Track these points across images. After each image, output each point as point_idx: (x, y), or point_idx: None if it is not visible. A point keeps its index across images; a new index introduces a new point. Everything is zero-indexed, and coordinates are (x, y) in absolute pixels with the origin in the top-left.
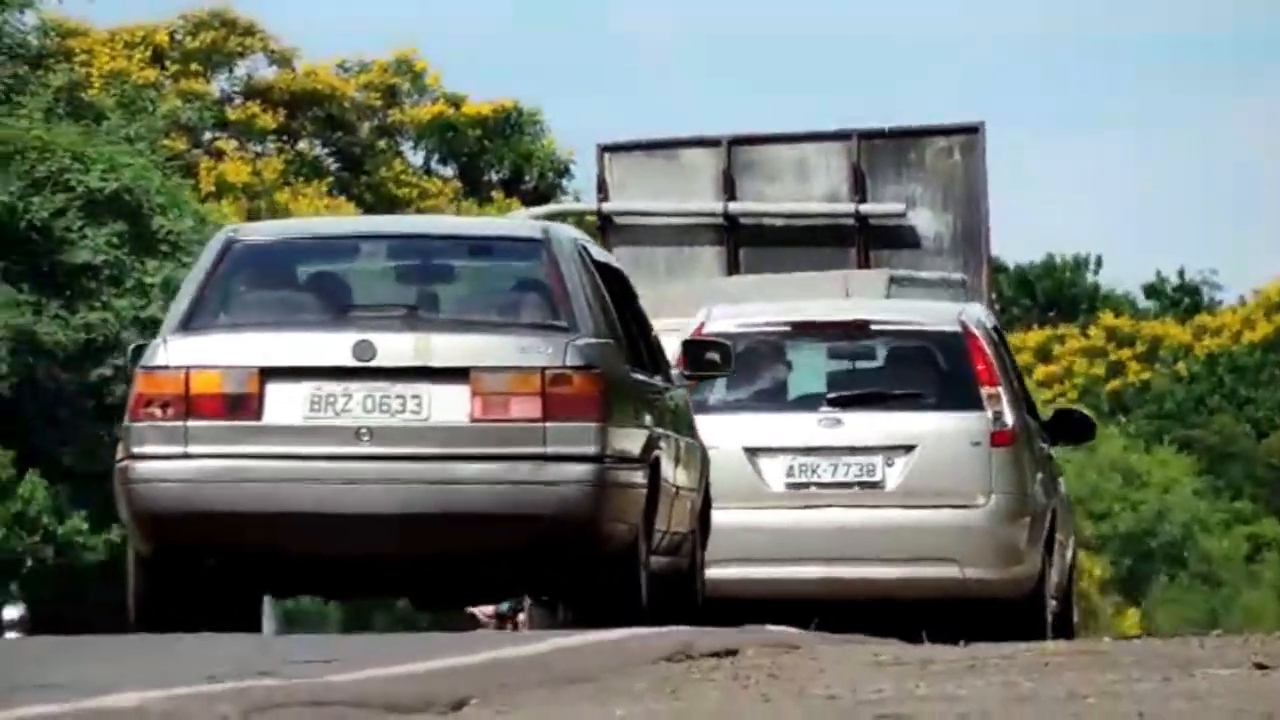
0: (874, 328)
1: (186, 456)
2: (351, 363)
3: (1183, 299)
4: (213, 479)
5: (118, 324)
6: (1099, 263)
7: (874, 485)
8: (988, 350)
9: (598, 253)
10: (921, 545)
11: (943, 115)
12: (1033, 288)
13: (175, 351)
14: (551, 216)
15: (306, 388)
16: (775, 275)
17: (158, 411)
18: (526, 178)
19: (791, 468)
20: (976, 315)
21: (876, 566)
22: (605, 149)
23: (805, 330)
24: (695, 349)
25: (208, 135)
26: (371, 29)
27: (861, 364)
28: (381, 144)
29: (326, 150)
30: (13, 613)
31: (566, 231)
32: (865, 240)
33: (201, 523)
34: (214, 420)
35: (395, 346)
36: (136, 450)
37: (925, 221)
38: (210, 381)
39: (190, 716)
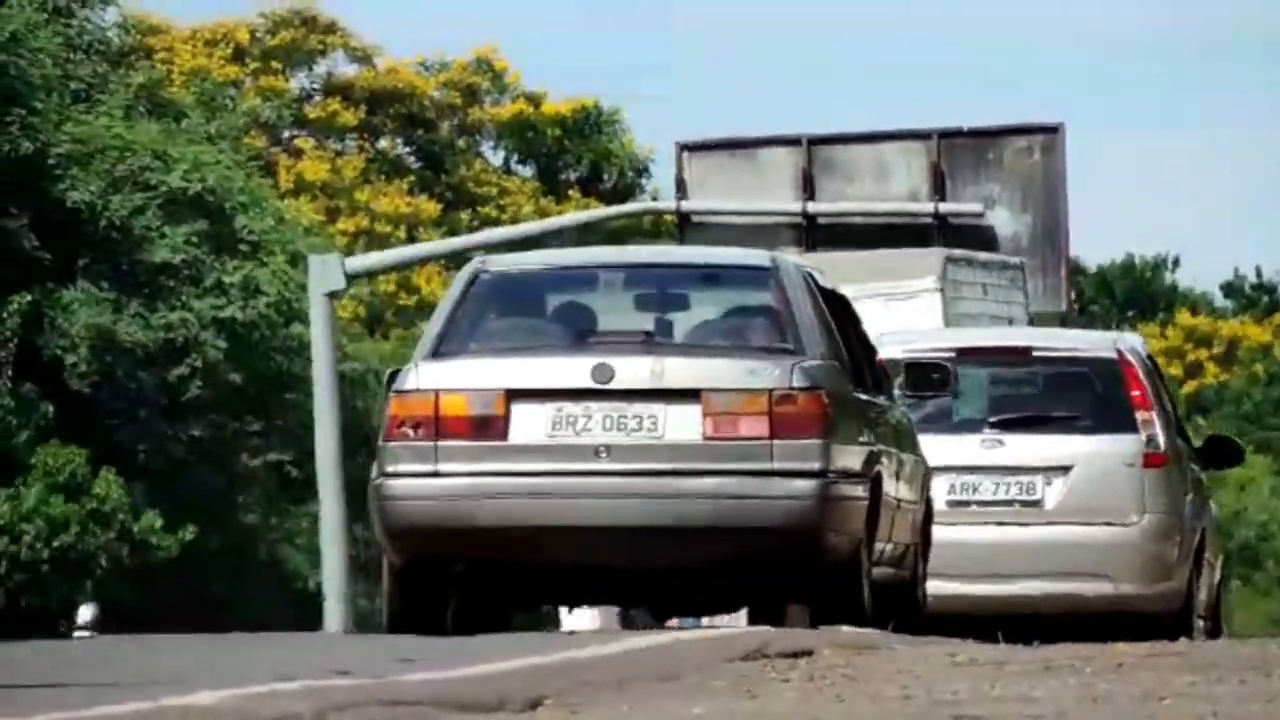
0: (1035, 354)
1: (437, 474)
2: (591, 385)
3: (1261, 298)
4: (461, 495)
5: (197, 324)
6: (1177, 262)
7: (1033, 504)
8: (1142, 376)
9: (822, 280)
10: (1077, 561)
11: (1021, 114)
12: (1111, 287)
13: (426, 376)
14: (630, 215)
15: (549, 409)
16: (831, 253)
17: (410, 432)
18: (605, 176)
19: (954, 486)
20: (1132, 343)
21: (1033, 582)
22: (684, 148)
23: (969, 355)
24: (917, 370)
25: (287, 133)
26: (452, 27)
27: (1023, 388)
28: (461, 142)
29: (407, 148)
30: (86, 612)
31: (793, 260)
32: (944, 239)
33: (450, 536)
34: (462, 440)
35: (632, 370)
36: (390, 469)
37: (1004, 221)
38: (459, 404)
39: (264, 715)
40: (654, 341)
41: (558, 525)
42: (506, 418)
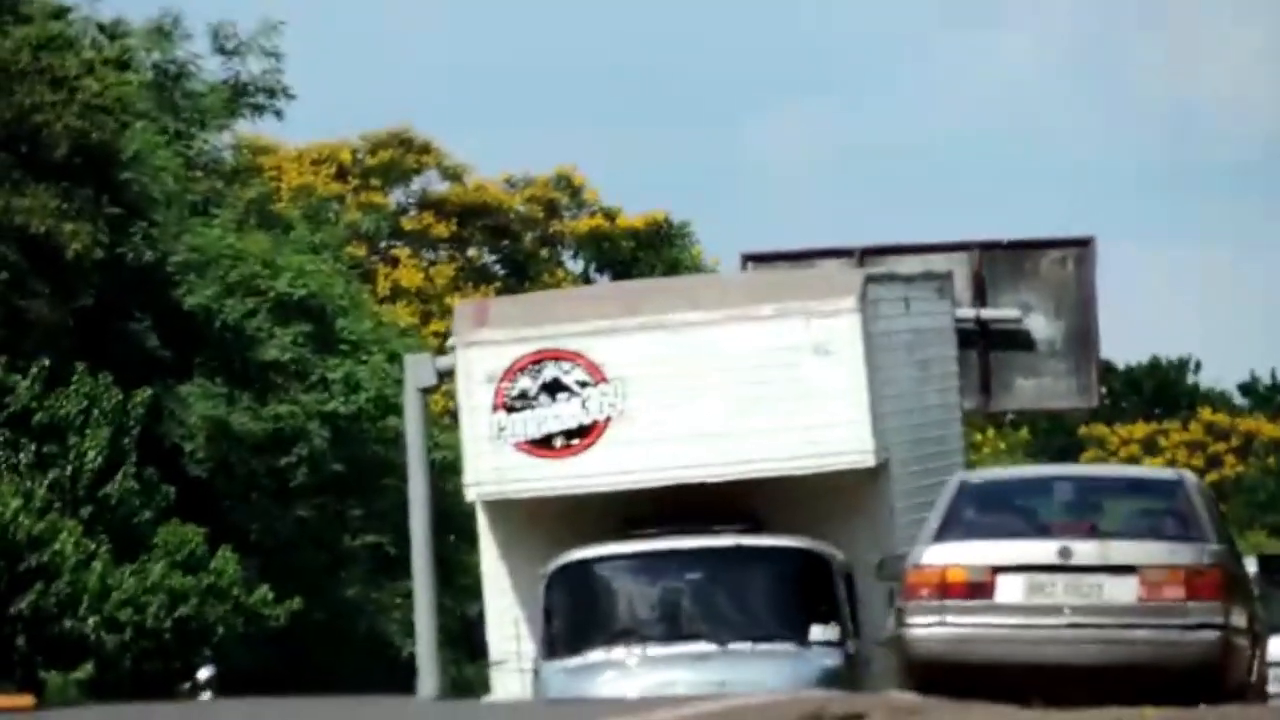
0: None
1: (943, 625)
2: (1056, 561)
3: (1275, 396)
4: (961, 640)
5: (303, 415)
6: (1199, 365)
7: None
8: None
9: (1210, 492)
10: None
11: (1057, 229)
12: (1140, 385)
13: (933, 555)
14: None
15: (1024, 578)
16: (750, 273)
17: (923, 594)
18: None
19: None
20: (1189, 473)
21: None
22: (748, 258)
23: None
24: (1273, 562)
25: (384, 243)
26: (536, 147)
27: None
28: (544, 252)
29: (493, 257)
30: (205, 674)
31: (1193, 475)
32: (985, 343)
33: (953, 671)
34: (961, 600)
35: (1086, 550)
36: (909, 621)
37: (1040, 326)
38: (959, 574)
39: None
40: (1099, 530)
41: (1031, 663)
42: (993, 585)
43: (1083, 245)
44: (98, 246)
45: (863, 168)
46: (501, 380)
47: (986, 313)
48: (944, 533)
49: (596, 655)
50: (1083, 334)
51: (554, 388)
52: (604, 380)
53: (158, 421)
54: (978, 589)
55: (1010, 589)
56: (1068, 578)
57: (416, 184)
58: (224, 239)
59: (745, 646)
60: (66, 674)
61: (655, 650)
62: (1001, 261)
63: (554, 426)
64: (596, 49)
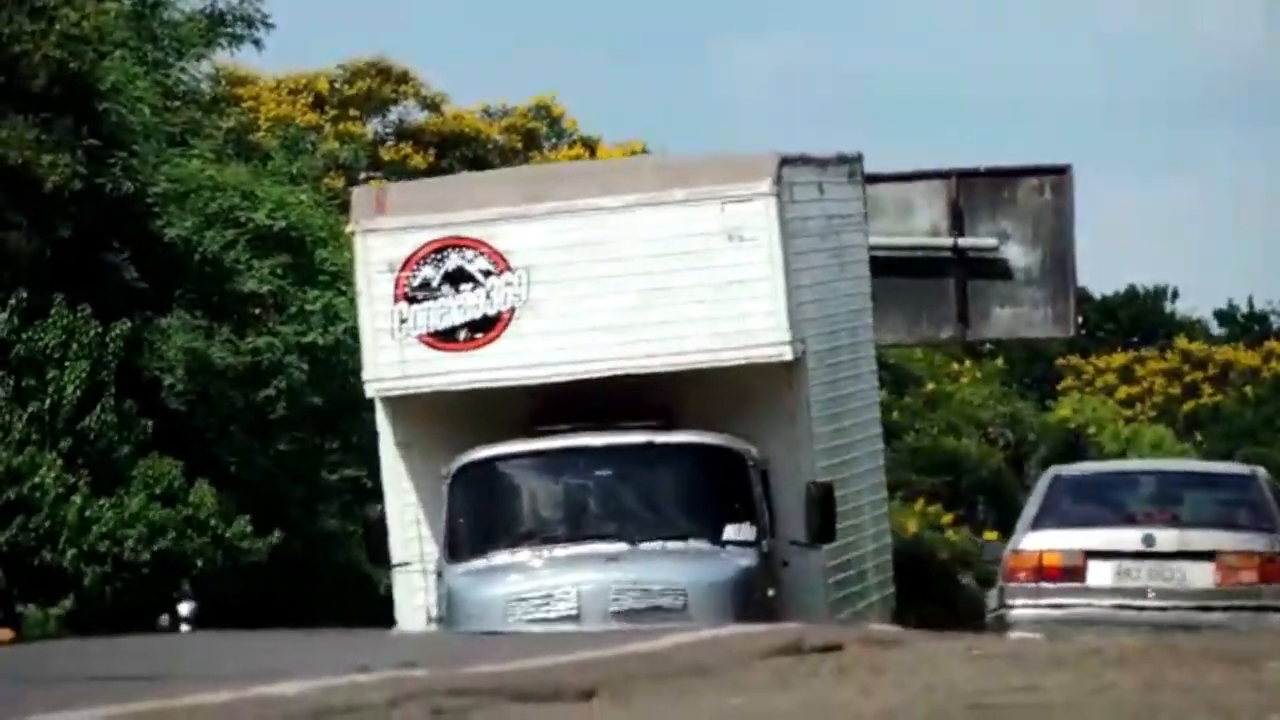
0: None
1: (1040, 606)
2: (1141, 548)
3: (1252, 325)
4: (1056, 621)
5: (282, 348)
6: (1175, 294)
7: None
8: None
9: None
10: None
11: (1033, 156)
12: (1116, 314)
13: (1030, 542)
14: None
15: (1113, 564)
16: (660, 157)
17: (1021, 577)
18: None
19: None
20: (1261, 469)
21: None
22: None
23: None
24: None
25: (363, 174)
26: (514, 77)
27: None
28: None
29: None
30: (184, 608)
31: (1264, 470)
32: (963, 271)
33: None
34: (1056, 583)
35: (1167, 538)
36: (1009, 602)
37: (1017, 255)
38: (1054, 559)
39: (342, 704)
40: (1179, 520)
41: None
42: (1084, 569)
43: (1060, 173)
44: (76, 178)
45: (839, 97)
46: (402, 270)
47: (963, 241)
48: (1040, 521)
49: (501, 557)
50: (1060, 262)
51: (457, 277)
52: (509, 269)
53: (136, 354)
54: (1071, 573)
55: (1100, 573)
56: (1151, 564)
57: (394, 114)
58: (203, 170)
59: (656, 546)
60: (45, 608)
61: (562, 551)
62: (978, 190)
63: (457, 318)
64: None
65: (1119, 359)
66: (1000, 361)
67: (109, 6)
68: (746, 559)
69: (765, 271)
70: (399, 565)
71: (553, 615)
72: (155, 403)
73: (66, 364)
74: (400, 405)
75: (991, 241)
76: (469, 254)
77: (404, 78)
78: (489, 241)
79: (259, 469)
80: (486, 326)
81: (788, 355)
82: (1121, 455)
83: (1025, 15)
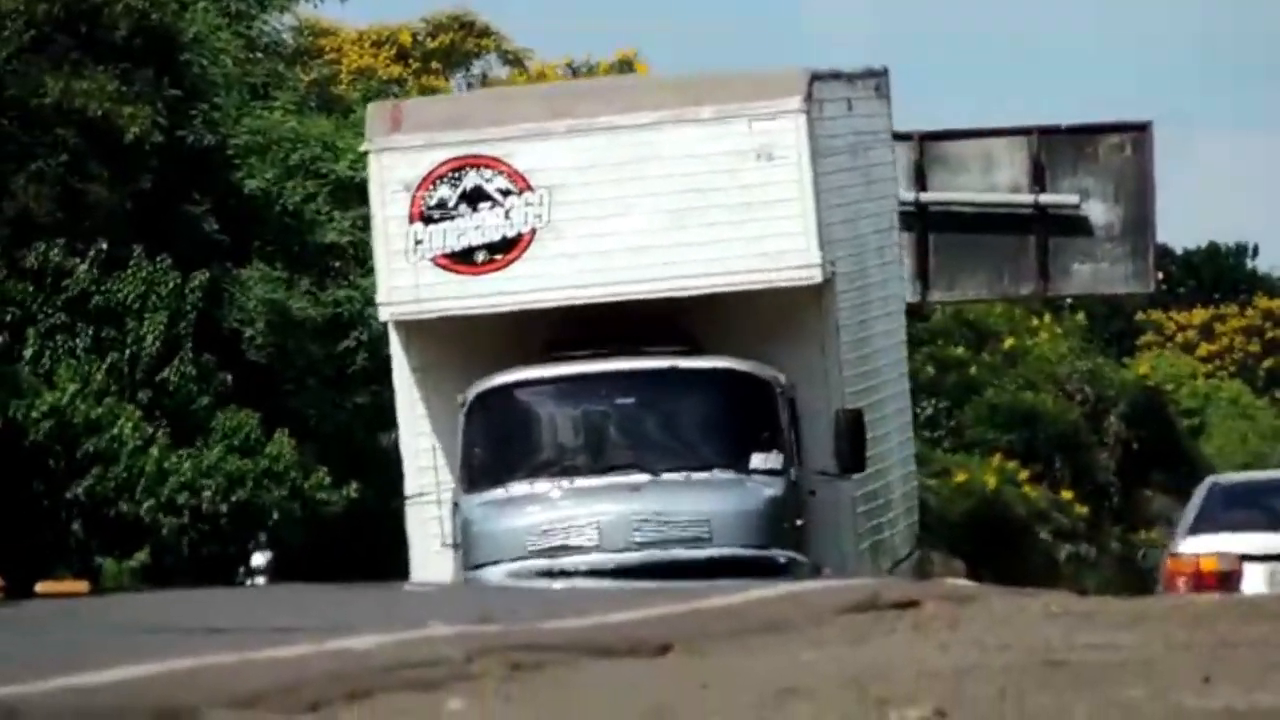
0: None
1: None
2: None
3: None
4: None
5: (362, 300)
6: (1256, 250)
7: None
8: None
9: None
10: None
11: (1113, 111)
12: (1198, 271)
13: (1189, 546)
14: None
15: (1267, 567)
16: (687, 75)
17: (1180, 582)
18: None
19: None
20: None
21: None
22: None
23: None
24: None
25: None
26: (598, 32)
27: None
28: None
29: None
30: (260, 559)
31: None
32: (1043, 228)
33: None
34: (1212, 587)
35: None
36: None
37: (1098, 211)
38: (1211, 564)
39: (418, 658)
40: None
41: None
42: (1240, 573)
43: (1140, 130)
44: (157, 129)
45: (921, 53)
46: (418, 189)
47: (1045, 198)
48: (1197, 527)
49: (520, 487)
50: (1140, 219)
51: (475, 197)
52: (529, 189)
53: (216, 306)
54: (1227, 577)
55: (1255, 577)
56: None
57: (477, 68)
58: (284, 122)
59: (680, 475)
60: (122, 559)
61: (583, 482)
62: (1060, 147)
63: (475, 239)
64: None
65: (1199, 315)
66: (1080, 317)
67: None
68: (773, 489)
69: (795, 191)
70: (413, 497)
71: (573, 546)
72: (234, 354)
73: (146, 315)
74: (415, 329)
75: (1073, 198)
76: (487, 173)
77: (486, 32)
78: (508, 160)
79: (337, 421)
80: (505, 248)
81: (818, 277)
82: (1200, 411)
83: None
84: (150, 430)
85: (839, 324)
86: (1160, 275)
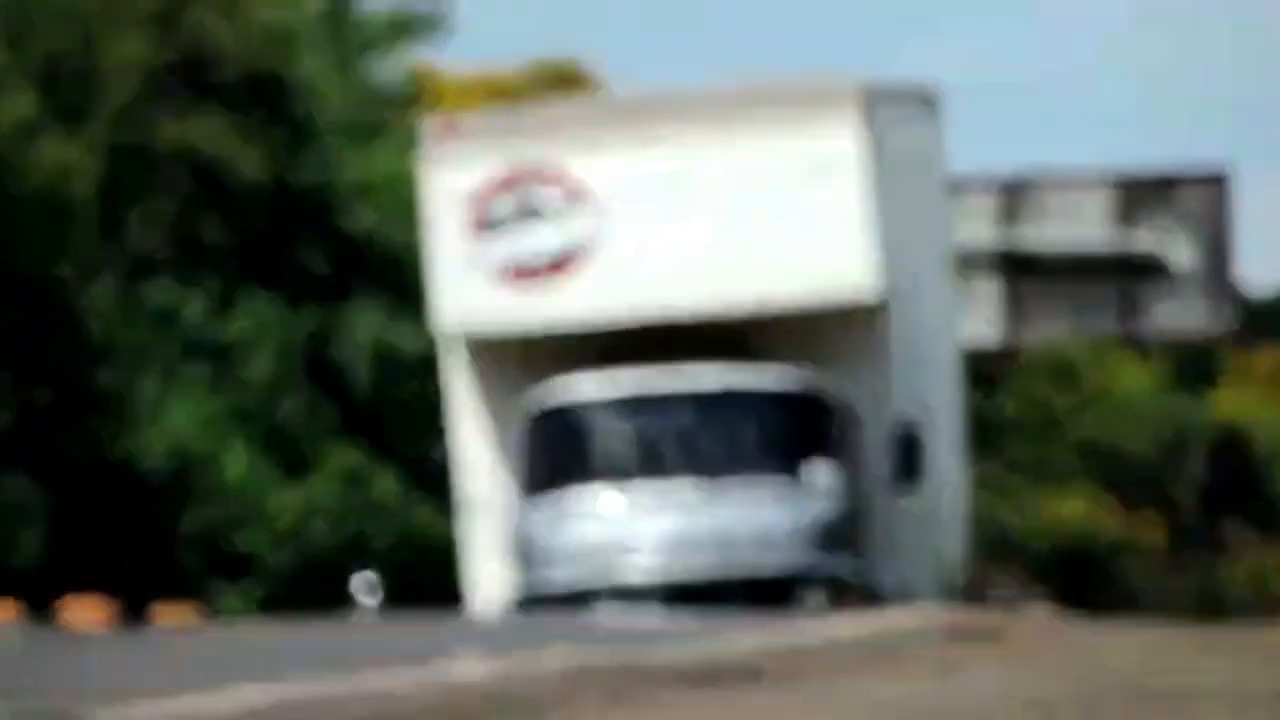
0: None
1: None
2: None
3: None
4: None
5: None
6: None
7: None
8: None
9: None
10: None
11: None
12: (1276, 313)
13: None
14: None
15: None
16: (735, 85)
17: None
18: None
19: None
20: None
21: None
22: None
23: None
24: None
25: None
26: (700, 78)
27: None
28: None
29: None
30: (366, 590)
31: None
32: (1126, 271)
33: None
34: None
35: None
36: None
37: (1178, 255)
38: None
39: (522, 686)
40: None
41: None
42: None
43: (1219, 177)
44: (268, 171)
45: (1007, 100)
46: (475, 200)
47: (1127, 242)
48: None
49: (579, 501)
50: (1218, 262)
51: (532, 208)
52: (586, 200)
53: (324, 343)
54: None
55: None
56: None
57: None
58: (389, 164)
59: (738, 489)
60: (235, 589)
61: (642, 496)
62: (1142, 193)
63: (532, 250)
64: None
65: (1276, 356)
66: (1161, 357)
67: (301, 5)
68: (830, 502)
69: (853, 207)
70: (469, 509)
71: (632, 560)
72: (341, 389)
73: (257, 352)
74: (470, 342)
75: (1154, 242)
76: (545, 184)
77: (587, 81)
78: (566, 172)
79: (441, 456)
80: (563, 260)
81: (875, 295)
82: (1277, 448)
83: (1188, 11)
84: (261, 464)
85: (895, 340)
86: (1238, 316)
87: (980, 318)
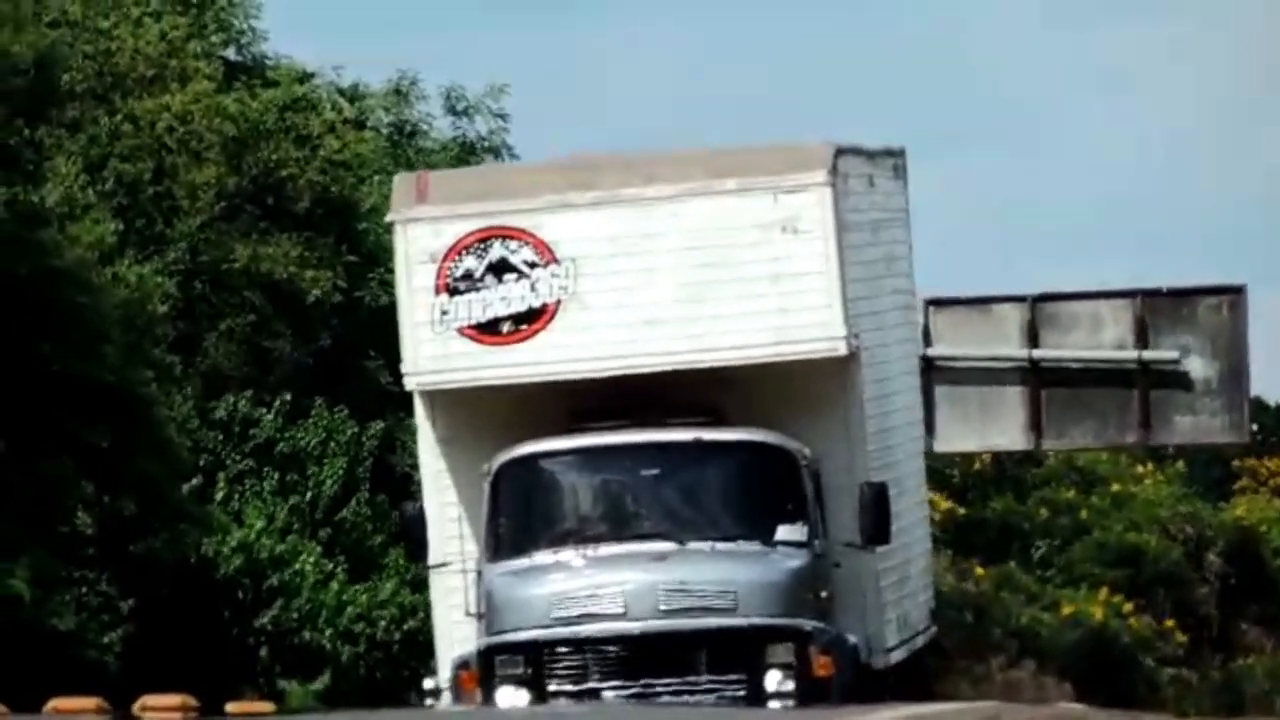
0: None
1: None
2: None
3: None
4: None
5: None
6: None
7: None
8: None
9: None
10: None
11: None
12: None
13: None
14: None
15: None
16: (710, 148)
17: None
18: None
19: None
20: None
21: None
22: (930, 302)
23: None
24: None
25: None
26: None
27: None
28: None
29: None
30: (431, 684)
31: None
32: (1146, 382)
33: None
34: None
35: None
36: None
37: (1197, 367)
38: None
39: None
40: None
41: None
42: None
43: (1236, 292)
44: (336, 291)
45: (1024, 220)
46: (444, 260)
47: (1147, 354)
48: None
49: (544, 556)
50: (1235, 374)
51: (501, 268)
52: (554, 260)
53: (389, 452)
54: None
55: None
56: None
57: None
58: None
59: (705, 546)
60: (304, 683)
61: (608, 550)
62: (1161, 307)
63: (501, 310)
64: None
65: None
66: (1180, 465)
67: (368, 136)
68: (798, 559)
69: (820, 264)
70: (437, 566)
71: (597, 614)
72: (406, 496)
73: (326, 461)
74: (440, 399)
75: (1173, 354)
76: (513, 244)
77: None
78: (534, 231)
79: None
80: (531, 319)
81: (843, 351)
82: None
83: (1198, 136)
84: (330, 566)
85: (862, 397)
86: (1255, 426)
87: (1010, 425)
